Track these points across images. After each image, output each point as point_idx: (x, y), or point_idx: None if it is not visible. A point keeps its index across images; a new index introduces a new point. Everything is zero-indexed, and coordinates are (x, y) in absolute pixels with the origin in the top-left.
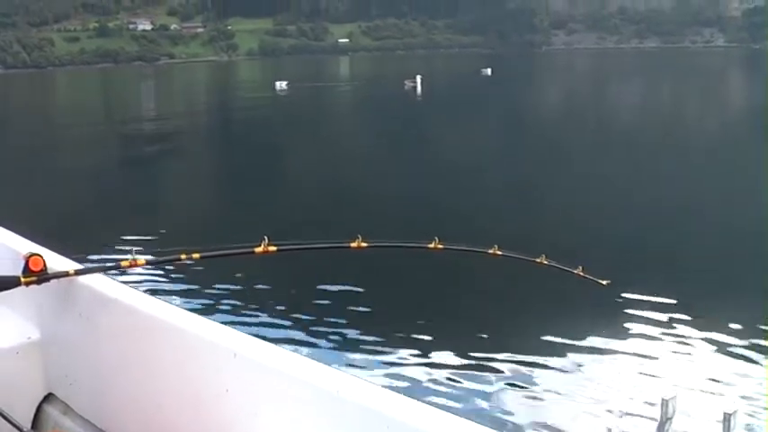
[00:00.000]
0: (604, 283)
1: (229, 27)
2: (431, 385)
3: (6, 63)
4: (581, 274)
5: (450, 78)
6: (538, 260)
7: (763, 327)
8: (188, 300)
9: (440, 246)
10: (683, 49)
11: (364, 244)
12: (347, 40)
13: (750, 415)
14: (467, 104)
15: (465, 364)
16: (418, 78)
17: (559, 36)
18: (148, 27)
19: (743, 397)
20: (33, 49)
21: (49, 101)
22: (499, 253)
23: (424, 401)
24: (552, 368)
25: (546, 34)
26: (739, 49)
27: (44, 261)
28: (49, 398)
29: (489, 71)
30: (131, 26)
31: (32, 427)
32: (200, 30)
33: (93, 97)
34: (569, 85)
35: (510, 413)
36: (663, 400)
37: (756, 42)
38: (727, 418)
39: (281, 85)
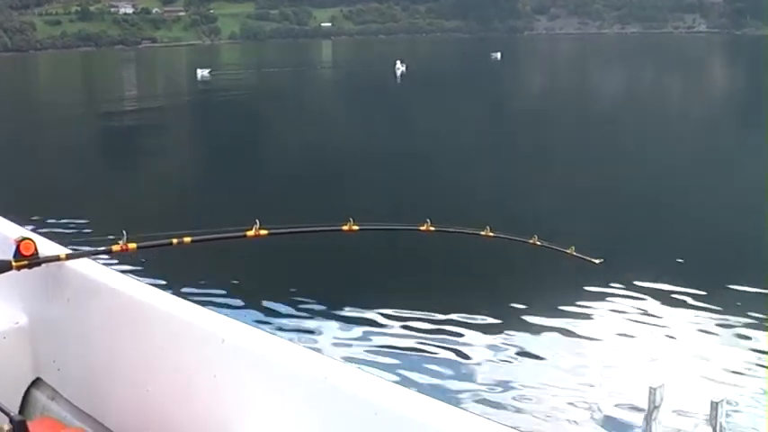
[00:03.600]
0: (597, 262)
1: (211, 11)
2: (419, 372)
3: None
4: (573, 253)
5: (460, 62)
6: (530, 241)
7: (754, 314)
8: (179, 284)
9: (432, 228)
10: (666, 34)
11: (356, 227)
12: (330, 24)
13: (737, 403)
14: (477, 87)
15: (457, 349)
16: (398, 62)
17: (542, 21)
18: (130, 10)
19: (731, 385)
20: (14, 33)
21: (30, 84)
22: (491, 234)
23: (412, 388)
24: (542, 352)
25: (528, 19)
26: (721, 34)
27: (35, 245)
28: (36, 383)
29: (499, 55)
30: (113, 9)
31: (20, 412)
32: (181, 13)
33: (76, 80)
34: (572, 69)
35: (498, 398)
36: (650, 388)
37: (738, 28)
38: (714, 407)
39: (202, 73)
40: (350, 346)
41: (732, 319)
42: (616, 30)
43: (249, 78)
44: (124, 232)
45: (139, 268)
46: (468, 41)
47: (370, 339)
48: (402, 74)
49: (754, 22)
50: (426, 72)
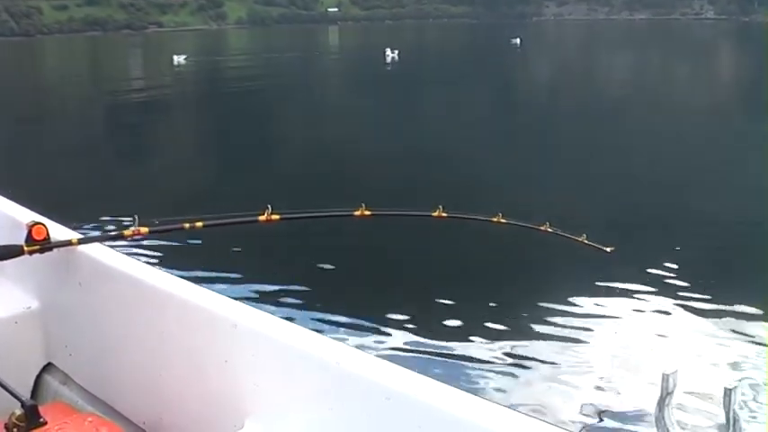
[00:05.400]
0: (608, 249)
1: None
2: (431, 357)
3: None
4: (585, 241)
5: (482, 48)
6: (542, 228)
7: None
8: (191, 269)
9: (444, 214)
10: (674, 21)
11: (368, 212)
12: (336, 9)
13: (750, 390)
14: (504, 75)
15: (467, 335)
16: (388, 50)
17: (550, 7)
18: None
19: (744, 372)
20: (21, 18)
21: (38, 69)
22: (503, 221)
23: (423, 373)
24: (553, 339)
25: (537, 5)
26: (728, 21)
27: (47, 230)
28: (48, 368)
29: (518, 41)
30: None
31: (32, 397)
32: None
33: (83, 65)
34: (593, 55)
35: (509, 384)
36: (664, 374)
37: (746, 15)
38: (727, 394)
39: (178, 59)
40: (361, 330)
41: (747, 306)
42: (624, 16)
43: (226, 65)
44: (136, 216)
45: (151, 253)
46: (477, 27)
47: (382, 324)
48: (393, 60)
49: (762, 9)
50: (447, 59)
